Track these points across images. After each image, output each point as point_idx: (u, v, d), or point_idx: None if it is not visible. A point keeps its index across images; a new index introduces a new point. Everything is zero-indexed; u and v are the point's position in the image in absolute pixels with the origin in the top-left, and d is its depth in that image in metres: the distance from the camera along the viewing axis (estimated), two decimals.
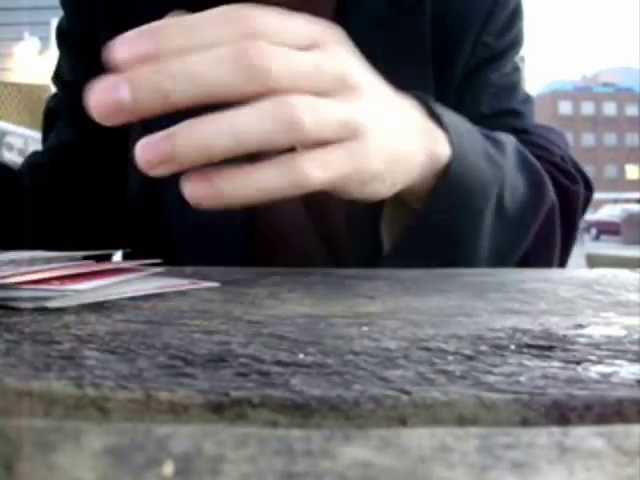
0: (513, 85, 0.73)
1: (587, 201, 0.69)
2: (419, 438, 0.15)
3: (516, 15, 0.72)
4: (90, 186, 0.73)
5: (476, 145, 0.52)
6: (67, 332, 0.26)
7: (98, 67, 0.71)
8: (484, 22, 0.68)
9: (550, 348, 0.24)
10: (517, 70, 0.73)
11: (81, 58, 0.72)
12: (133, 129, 0.66)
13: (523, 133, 0.69)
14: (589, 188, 0.69)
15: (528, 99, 0.74)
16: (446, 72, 0.66)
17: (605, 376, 0.20)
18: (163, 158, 0.35)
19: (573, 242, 0.67)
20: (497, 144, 0.56)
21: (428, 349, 0.24)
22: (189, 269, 0.48)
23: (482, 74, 0.70)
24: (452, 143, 0.48)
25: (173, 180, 0.55)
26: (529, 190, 0.58)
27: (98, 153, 0.72)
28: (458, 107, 0.61)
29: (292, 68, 0.36)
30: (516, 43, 0.73)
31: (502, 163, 0.54)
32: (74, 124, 0.73)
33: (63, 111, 0.76)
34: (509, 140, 0.59)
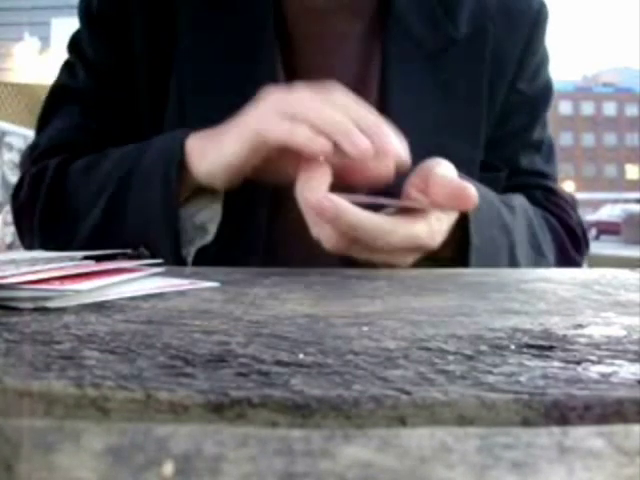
0: (542, 141, 0.79)
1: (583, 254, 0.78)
2: (419, 438, 0.15)
3: (544, 61, 0.77)
4: None
5: (492, 225, 0.62)
6: (67, 332, 0.26)
7: (129, 51, 0.71)
8: (517, 67, 0.73)
9: (550, 348, 0.24)
10: (546, 122, 0.80)
11: (112, 41, 0.70)
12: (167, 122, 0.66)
13: (551, 194, 0.77)
14: (587, 244, 0.79)
15: (552, 150, 0.81)
16: (489, 109, 0.71)
17: (605, 376, 0.20)
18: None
19: None
20: (511, 210, 0.65)
21: (428, 349, 0.24)
22: (189, 269, 0.48)
23: (521, 127, 0.76)
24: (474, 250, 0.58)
25: None
26: (531, 250, 0.67)
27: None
28: (498, 155, 0.73)
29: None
30: (548, 94, 0.78)
31: (513, 227, 0.64)
32: (105, 108, 0.72)
33: (90, 96, 0.73)
34: (522, 206, 0.69)
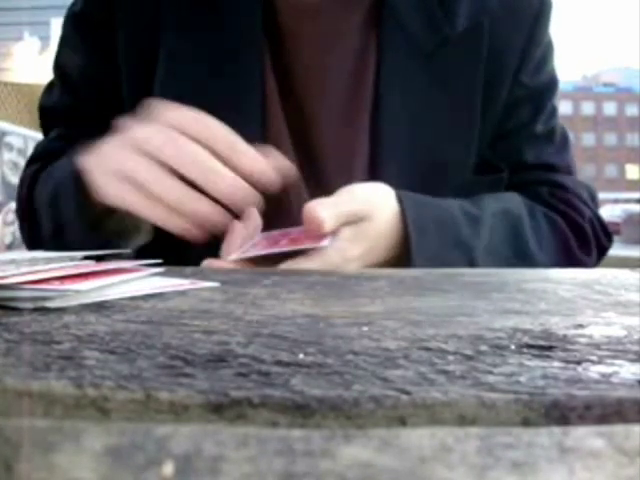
0: (553, 131, 0.77)
1: (604, 251, 0.75)
2: (419, 438, 0.15)
3: (549, 52, 0.75)
4: None
5: (442, 243, 0.61)
6: (67, 332, 0.26)
7: (107, 55, 0.71)
8: (520, 60, 0.71)
9: (550, 348, 0.24)
10: (554, 111, 0.77)
11: (91, 44, 0.71)
12: None
13: (560, 189, 0.75)
14: (608, 238, 0.76)
15: (565, 140, 0.79)
16: (488, 107, 0.69)
17: (605, 376, 0.20)
18: None
19: None
20: (474, 223, 0.64)
21: (428, 349, 0.23)
22: (189, 269, 0.48)
23: (525, 120, 0.74)
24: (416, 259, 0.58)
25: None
26: (512, 255, 0.65)
27: None
28: (501, 151, 0.72)
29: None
30: (552, 84, 0.77)
31: (473, 241, 0.62)
32: (85, 116, 0.73)
33: (70, 109, 0.75)
34: (503, 209, 0.67)
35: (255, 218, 0.57)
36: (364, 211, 0.56)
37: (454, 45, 0.68)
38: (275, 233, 0.57)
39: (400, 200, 0.59)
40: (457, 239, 0.62)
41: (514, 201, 0.70)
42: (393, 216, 0.59)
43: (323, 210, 0.52)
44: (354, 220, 0.55)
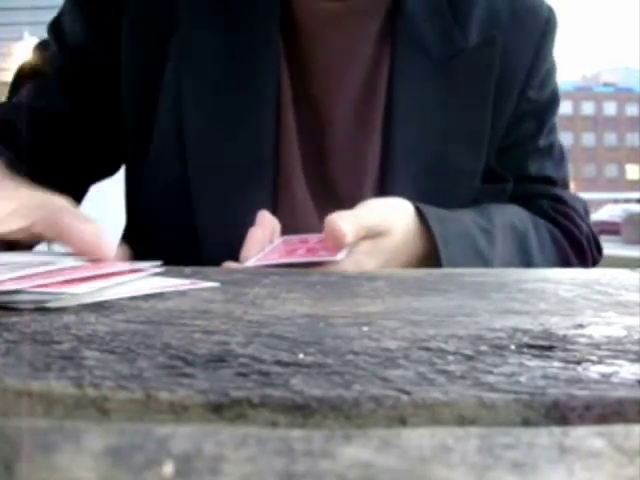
0: (552, 146, 0.79)
1: (595, 264, 0.77)
2: (419, 438, 0.15)
3: (553, 68, 0.77)
4: (81, 156, 0.72)
5: (465, 257, 0.61)
6: (67, 332, 0.26)
7: (110, 32, 0.69)
8: (527, 75, 0.73)
9: (550, 348, 0.24)
10: (555, 127, 0.79)
11: (95, 21, 0.69)
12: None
13: (559, 203, 0.77)
14: (599, 252, 0.78)
15: (562, 155, 0.81)
16: (496, 119, 0.70)
17: (605, 376, 0.20)
18: None
19: None
20: (488, 236, 0.65)
21: (428, 349, 0.24)
22: (189, 269, 0.48)
23: (529, 134, 0.76)
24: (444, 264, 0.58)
25: (202, 179, 0.59)
26: (521, 263, 0.66)
27: (94, 126, 0.71)
28: (504, 163, 0.73)
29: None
30: (555, 99, 0.79)
31: (489, 252, 0.63)
32: (69, 93, 0.71)
33: (57, 77, 0.71)
34: (510, 223, 0.68)
35: (271, 222, 0.57)
36: (382, 226, 0.56)
37: (468, 57, 0.69)
38: (294, 239, 0.58)
39: (421, 214, 0.60)
40: (477, 253, 0.62)
41: (519, 215, 0.71)
42: (411, 231, 0.59)
43: (345, 223, 0.52)
44: (372, 235, 0.56)
